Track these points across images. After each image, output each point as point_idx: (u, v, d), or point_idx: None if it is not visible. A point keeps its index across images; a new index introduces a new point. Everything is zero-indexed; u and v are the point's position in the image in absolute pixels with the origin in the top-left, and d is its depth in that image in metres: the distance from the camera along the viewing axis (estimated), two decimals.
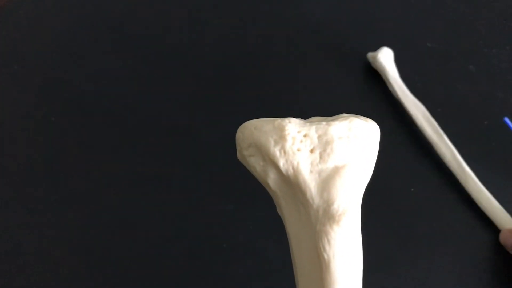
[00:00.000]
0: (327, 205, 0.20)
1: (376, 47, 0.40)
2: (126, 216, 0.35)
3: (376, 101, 0.39)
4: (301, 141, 0.21)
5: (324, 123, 0.21)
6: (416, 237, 0.34)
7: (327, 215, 0.20)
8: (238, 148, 0.22)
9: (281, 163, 0.20)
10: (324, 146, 0.21)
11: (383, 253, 0.33)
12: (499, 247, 0.33)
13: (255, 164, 0.22)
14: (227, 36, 0.43)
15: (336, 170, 0.20)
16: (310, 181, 0.20)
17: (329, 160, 0.20)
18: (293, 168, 0.20)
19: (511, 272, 0.32)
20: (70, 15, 0.46)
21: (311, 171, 0.20)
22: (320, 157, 0.20)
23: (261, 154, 0.21)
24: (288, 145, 0.20)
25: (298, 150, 0.21)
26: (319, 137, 0.21)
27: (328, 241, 0.20)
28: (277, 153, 0.21)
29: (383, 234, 0.34)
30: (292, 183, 0.21)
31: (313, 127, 0.21)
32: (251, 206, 0.35)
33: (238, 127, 0.22)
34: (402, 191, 0.35)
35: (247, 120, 0.22)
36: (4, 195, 0.36)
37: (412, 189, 0.35)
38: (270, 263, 0.33)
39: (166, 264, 0.33)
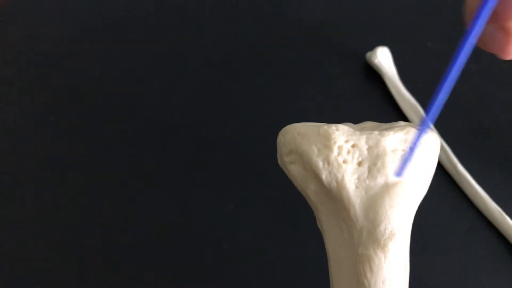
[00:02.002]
0: (372, 226, 0.18)
1: (375, 47, 0.40)
2: (126, 215, 0.35)
3: (375, 101, 0.39)
4: (349, 152, 0.19)
5: (376, 132, 0.19)
6: (416, 237, 0.34)
7: (371, 238, 0.18)
8: (278, 153, 0.21)
9: (324, 175, 0.19)
10: (374, 160, 0.19)
11: None
12: (498, 247, 0.33)
13: (295, 173, 0.20)
14: (226, 36, 0.43)
15: (386, 188, 0.18)
16: (355, 198, 0.18)
17: (378, 175, 0.18)
18: (336, 181, 0.18)
19: (510, 272, 0.32)
20: (70, 15, 0.46)
21: (357, 187, 0.18)
22: (369, 172, 0.18)
23: (302, 163, 0.19)
24: (333, 155, 0.19)
25: (344, 162, 0.19)
26: (370, 148, 0.19)
27: (371, 267, 0.18)
28: (320, 164, 0.19)
29: None
30: (335, 198, 0.19)
31: (364, 137, 0.19)
32: (252, 206, 0.35)
33: (281, 130, 0.20)
34: None
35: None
36: (4, 195, 0.36)
37: None
38: (270, 263, 0.33)
39: (166, 264, 0.33)
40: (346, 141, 0.19)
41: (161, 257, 0.33)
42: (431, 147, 0.20)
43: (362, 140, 0.19)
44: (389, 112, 0.38)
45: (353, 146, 0.19)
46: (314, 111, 0.39)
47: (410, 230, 0.19)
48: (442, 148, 0.35)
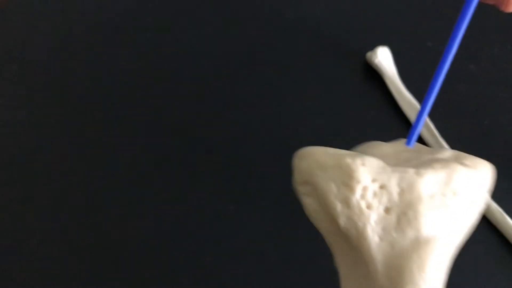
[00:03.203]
0: None
1: (375, 47, 0.40)
2: (126, 215, 0.35)
3: (375, 101, 0.39)
4: (375, 195, 0.15)
5: (412, 170, 0.15)
6: None
7: None
8: (293, 177, 0.18)
9: (342, 220, 0.15)
10: (405, 208, 0.15)
11: None
12: (498, 247, 0.33)
13: (309, 207, 0.17)
14: (226, 36, 0.43)
15: (416, 245, 0.15)
16: (377, 252, 0.15)
17: (409, 228, 0.15)
18: (356, 230, 0.15)
19: (510, 272, 0.32)
20: (70, 15, 0.46)
21: (381, 239, 0.15)
22: (398, 222, 0.15)
23: (318, 198, 0.16)
24: (355, 198, 0.15)
25: (368, 207, 0.15)
26: (401, 192, 0.15)
27: None
28: (339, 206, 0.15)
29: None
30: (354, 246, 0.15)
31: (396, 176, 0.15)
32: (252, 206, 0.35)
33: (296, 152, 0.17)
34: None
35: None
36: (4, 195, 0.36)
37: None
38: (270, 263, 0.33)
39: (166, 264, 0.33)
40: (373, 181, 0.15)
41: (161, 257, 0.33)
42: (481, 189, 0.16)
43: (393, 181, 0.15)
44: (389, 112, 0.38)
45: (381, 187, 0.15)
46: (314, 111, 0.39)
47: None
48: (442, 148, 0.35)
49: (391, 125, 0.38)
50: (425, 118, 0.36)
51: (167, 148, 0.38)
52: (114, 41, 0.44)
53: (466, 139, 0.36)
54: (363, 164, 0.15)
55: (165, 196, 0.35)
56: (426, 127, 0.36)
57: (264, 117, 0.38)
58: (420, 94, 0.38)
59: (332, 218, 0.15)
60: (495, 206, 0.33)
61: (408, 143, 0.17)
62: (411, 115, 0.37)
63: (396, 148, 0.18)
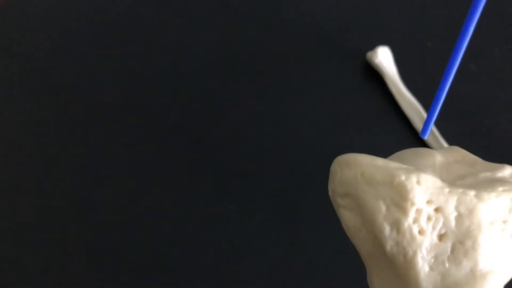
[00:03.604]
0: None
1: (376, 47, 0.40)
2: (125, 215, 0.35)
3: (375, 101, 0.39)
4: (429, 219, 0.13)
5: (472, 193, 0.13)
6: None
7: None
8: (330, 184, 0.16)
9: (389, 245, 0.14)
10: (463, 236, 0.13)
11: None
12: None
13: (348, 223, 0.15)
14: (226, 36, 0.43)
15: (471, 279, 0.13)
16: (426, 283, 0.13)
17: (464, 260, 0.13)
18: (405, 257, 0.13)
19: None
20: (70, 14, 0.46)
21: (431, 269, 0.13)
22: (452, 252, 0.13)
23: (361, 217, 0.14)
24: (408, 222, 0.13)
25: (420, 232, 0.13)
26: (459, 217, 0.13)
27: None
28: (387, 230, 0.13)
29: None
30: (399, 274, 0.14)
31: (455, 198, 0.13)
32: (252, 206, 0.35)
33: (336, 158, 0.15)
34: None
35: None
36: (4, 195, 0.36)
37: None
38: (270, 263, 0.33)
39: (166, 264, 0.33)
40: (429, 202, 0.13)
41: (161, 257, 0.33)
42: None
43: (452, 204, 0.13)
44: (389, 112, 0.38)
45: (436, 210, 0.13)
46: (314, 111, 0.39)
47: None
48: (442, 148, 0.35)
49: (391, 125, 0.38)
50: (424, 117, 0.37)
51: (167, 148, 0.38)
52: (114, 41, 0.44)
53: (466, 139, 0.36)
54: (418, 183, 0.13)
55: (165, 196, 0.35)
56: None
57: (264, 117, 0.38)
58: (420, 94, 0.38)
59: (375, 239, 0.14)
60: None
61: (422, 134, 0.16)
62: (411, 115, 0.37)
63: (446, 159, 0.16)
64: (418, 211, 0.13)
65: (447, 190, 0.13)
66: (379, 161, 0.14)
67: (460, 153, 0.16)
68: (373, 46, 0.40)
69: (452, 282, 0.13)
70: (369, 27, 0.43)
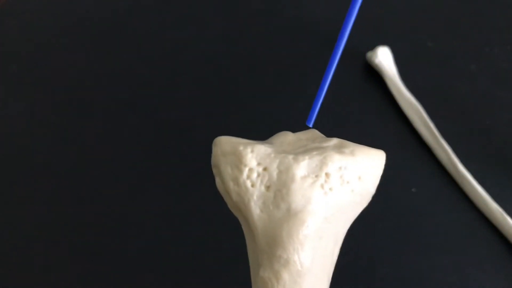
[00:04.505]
0: (270, 252, 0.18)
1: (376, 47, 0.40)
2: (125, 216, 0.35)
3: (375, 101, 0.39)
4: (258, 176, 0.19)
5: (291, 156, 0.19)
6: (416, 237, 0.34)
7: (269, 263, 0.18)
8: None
9: (234, 195, 0.19)
10: (281, 186, 0.18)
11: (383, 253, 0.33)
12: (498, 247, 0.33)
13: (218, 185, 0.20)
14: (226, 36, 0.43)
15: (287, 216, 0.18)
16: (258, 222, 0.18)
17: (282, 203, 0.18)
18: (244, 204, 0.19)
19: (510, 272, 0.32)
20: (70, 14, 0.46)
21: (261, 211, 0.18)
22: (274, 198, 0.18)
23: (220, 179, 0.20)
24: (243, 178, 0.19)
25: (252, 185, 0.19)
26: (280, 173, 0.18)
27: None
28: (231, 184, 0.19)
29: (384, 234, 0.34)
30: (244, 218, 0.19)
31: (277, 161, 0.19)
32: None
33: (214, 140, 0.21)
34: (403, 192, 0.35)
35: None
36: (4, 195, 0.36)
37: (413, 190, 0.35)
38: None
39: (166, 265, 0.33)
40: (258, 164, 0.19)
41: (161, 257, 0.33)
42: (352, 174, 0.19)
43: (274, 164, 0.18)
44: (389, 112, 0.38)
45: (264, 169, 0.19)
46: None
47: (323, 259, 0.19)
48: (442, 148, 0.35)
49: (391, 125, 0.38)
50: (423, 116, 0.37)
51: (167, 148, 0.38)
52: (114, 41, 0.44)
53: (466, 139, 0.36)
54: (252, 151, 0.19)
55: (165, 196, 0.35)
56: (426, 127, 0.36)
57: (264, 117, 0.38)
58: (420, 94, 0.38)
59: (228, 194, 0.19)
60: (495, 206, 0.33)
61: (308, 122, 0.21)
62: (411, 115, 0.37)
63: (298, 137, 0.21)
64: (251, 170, 0.19)
65: (272, 155, 0.19)
66: (233, 139, 0.20)
67: (312, 133, 0.22)
68: (373, 46, 0.40)
69: (275, 219, 0.18)
70: (369, 27, 0.43)
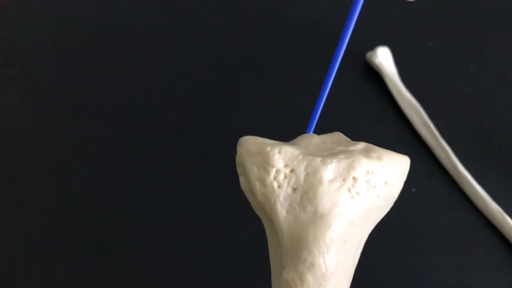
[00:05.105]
0: (295, 253, 0.18)
1: (376, 47, 0.40)
2: (125, 215, 0.35)
3: (375, 101, 0.39)
4: (285, 177, 0.19)
5: (319, 159, 0.19)
6: (416, 237, 0.34)
7: (293, 265, 0.18)
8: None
9: (259, 196, 0.19)
10: (308, 188, 0.18)
11: (383, 253, 0.33)
12: (498, 247, 0.33)
13: (242, 184, 0.20)
14: (226, 36, 0.43)
15: (313, 219, 0.18)
16: (284, 223, 0.18)
17: (308, 205, 0.18)
18: (269, 204, 0.19)
19: (510, 272, 0.32)
20: (70, 15, 0.46)
21: (287, 212, 0.18)
22: (301, 200, 0.18)
23: (245, 178, 0.20)
24: (269, 179, 0.19)
25: (279, 186, 0.19)
26: (307, 175, 0.18)
27: None
28: (257, 185, 0.19)
29: (384, 234, 0.34)
30: (269, 218, 0.19)
31: (304, 163, 0.19)
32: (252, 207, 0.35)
33: (239, 139, 0.20)
34: (403, 192, 0.35)
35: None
36: (4, 194, 0.36)
37: (413, 190, 0.35)
38: (270, 263, 0.33)
39: (166, 264, 0.33)
40: (286, 165, 0.19)
41: (161, 257, 0.33)
42: (379, 178, 0.19)
43: (302, 166, 0.19)
44: (389, 112, 0.38)
45: (291, 171, 0.19)
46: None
47: (346, 262, 0.19)
48: (442, 148, 0.35)
49: (391, 125, 0.38)
50: (423, 116, 0.37)
51: (167, 148, 0.38)
52: (114, 41, 0.44)
53: (466, 139, 0.36)
54: (279, 152, 0.19)
55: (165, 196, 0.35)
56: (426, 127, 0.36)
57: (264, 117, 0.38)
58: (420, 94, 0.38)
59: (254, 194, 0.19)
60: (495, 206, 0.33)
61: (308, 130, 0.21)
62: (411, 115, 0.37)
63: (324, 139, 0.21)
64: (277, 171, 0.19)
65: (300, 157, 0.19)
66: (259, 139, 0.20)
67: (337, 136, 0.21)
68: (373, 46, 0.40)
69: (301, 221, 0.18)
70: (369, 27, 0.43)
